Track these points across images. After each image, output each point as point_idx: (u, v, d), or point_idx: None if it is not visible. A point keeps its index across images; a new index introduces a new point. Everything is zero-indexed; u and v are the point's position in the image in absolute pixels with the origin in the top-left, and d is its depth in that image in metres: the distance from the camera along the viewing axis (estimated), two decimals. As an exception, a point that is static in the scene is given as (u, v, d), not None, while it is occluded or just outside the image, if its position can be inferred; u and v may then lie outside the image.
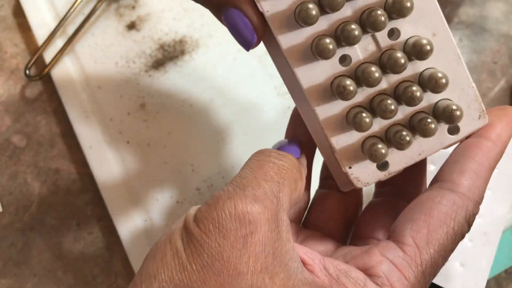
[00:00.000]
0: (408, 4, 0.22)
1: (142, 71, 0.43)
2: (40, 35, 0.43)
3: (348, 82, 0.22)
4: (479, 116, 0.24)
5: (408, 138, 0.23)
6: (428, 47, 0.22)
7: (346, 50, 0.23)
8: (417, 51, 0.22)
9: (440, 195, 0.22)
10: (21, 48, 0.45)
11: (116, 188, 0.38)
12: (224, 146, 0.40)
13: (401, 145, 0.23)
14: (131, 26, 0.45)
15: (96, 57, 0.43)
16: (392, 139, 0.23)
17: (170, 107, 0.41)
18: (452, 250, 0.22)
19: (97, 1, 0.44)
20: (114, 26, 0.44)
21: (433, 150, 0.25)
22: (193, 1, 0.26)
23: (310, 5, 0.22)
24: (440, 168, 0.24)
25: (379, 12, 0.22)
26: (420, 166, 0.27)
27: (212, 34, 0.44)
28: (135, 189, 0.38)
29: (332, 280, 0.20)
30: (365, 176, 0.24)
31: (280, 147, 0.26)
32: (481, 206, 0.37)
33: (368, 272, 0.21)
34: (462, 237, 0.22)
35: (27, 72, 0.42)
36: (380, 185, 0.29)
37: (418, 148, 0.25)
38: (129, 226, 0.37)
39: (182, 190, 0.38)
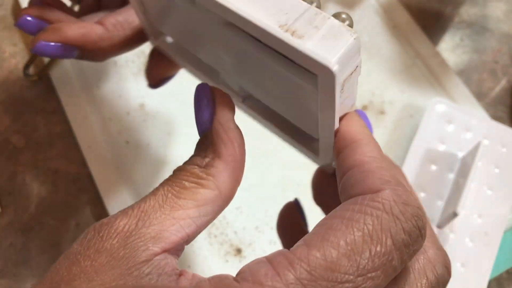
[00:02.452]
0: None
1: (141, 70, 0.42)
2: (39, 34, 0.43)
3: None
4: None
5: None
6: None
7: None
8: None
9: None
10: (20, 48, 0.45)
11: (115, 188, 0.38)
12: (224, 146, 0.39)
13: None
14: (131, 25, 0.44)
15: (95, 56, 0.43)
16: None
17: (169, 107, 0.41)
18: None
19: (96, 0, 0.44)
20: (113, 25, 0.44)
21: None
22: None
23: None
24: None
25: None
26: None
27: None
28: (134, 189, 0.38)
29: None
30: None
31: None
32: (482, 207, 0.37)
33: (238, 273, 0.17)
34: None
35: (26, 71, 0.42)
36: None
37: None
38: (128, 226, 0.37)
39: (181, 190, 0.38)
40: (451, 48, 0.46)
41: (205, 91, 0.22)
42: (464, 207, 0.37)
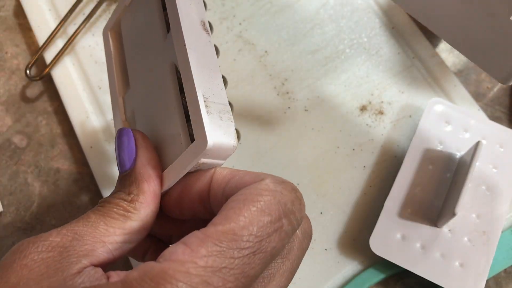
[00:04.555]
0: None
1: (142, 71, 0.43)
2: (41, 35, 0.44)
3: None
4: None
5: None
6: None
7: None
8: None
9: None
10: (22, 49, 0.45)
11: (117, 188, 0.38)
12: (224, 146, 0.40)
13: None
14: (132, 26, 0.45)
15: (97, 57, 0.43)
16: None
17: (170, 107, 0.41)
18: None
19: (97, 1, 0.45)
20: (114, 26, 0.45)
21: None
22: None
23: None
24: None
25: None
26: None
27: (211, 35, 0.44)
28: (135, 189, 0.38)
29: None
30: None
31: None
32: (480, 206, 0.37)
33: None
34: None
35: (28, 72, 0.42)
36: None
37: None
38: (129, 226, 0.37)
39: (182, 190, 0.38)
40: (450, 48, 0.46)
41: (127, 135, 0.24)
42: (463, 207, 0.37)
